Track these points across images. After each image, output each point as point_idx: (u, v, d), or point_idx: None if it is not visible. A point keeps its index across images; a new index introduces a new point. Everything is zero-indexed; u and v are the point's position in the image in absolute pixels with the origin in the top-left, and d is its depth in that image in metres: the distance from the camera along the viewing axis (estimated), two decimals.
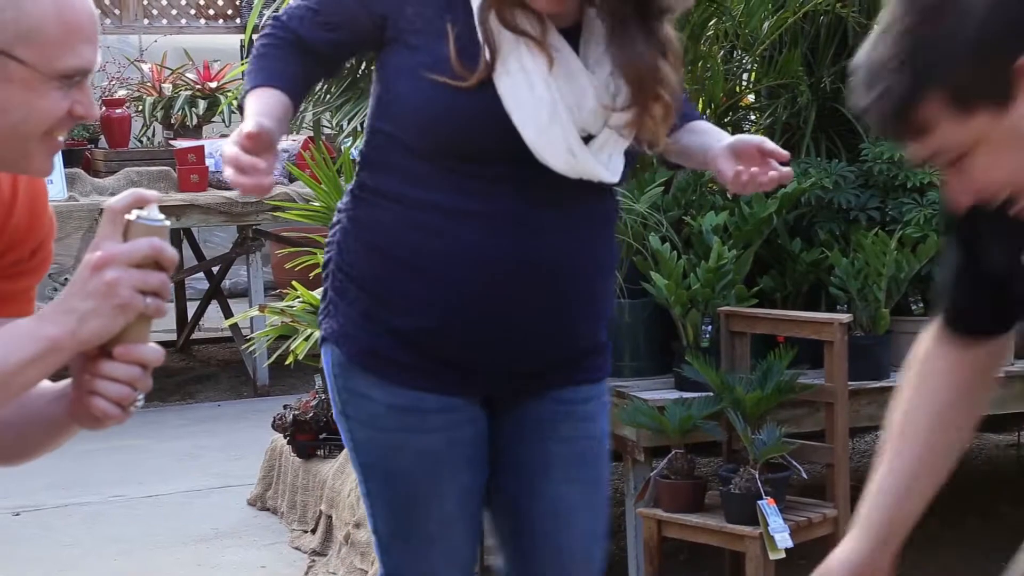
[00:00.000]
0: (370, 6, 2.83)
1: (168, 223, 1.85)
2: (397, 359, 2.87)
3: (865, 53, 1.98)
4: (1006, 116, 1.91)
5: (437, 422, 2.89)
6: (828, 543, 4.14)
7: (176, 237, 8.48)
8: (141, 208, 1.83)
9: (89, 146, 7.81)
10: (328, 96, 5.42)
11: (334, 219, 3.04)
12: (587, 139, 2.77)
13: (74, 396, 2.05)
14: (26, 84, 1.95)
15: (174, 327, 9.05)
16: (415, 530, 2.97)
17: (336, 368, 2.95)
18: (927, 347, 2.50)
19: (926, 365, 2.52)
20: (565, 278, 2.91)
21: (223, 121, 8.24)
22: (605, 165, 2.79)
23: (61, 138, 2.04)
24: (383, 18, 2.80)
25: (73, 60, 1.95)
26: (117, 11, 9.20)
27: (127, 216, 1.82)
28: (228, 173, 2.60)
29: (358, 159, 3.08)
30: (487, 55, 2.73)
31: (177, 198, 7.53)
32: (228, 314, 8.27)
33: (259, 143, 2.58)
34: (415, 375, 2.87)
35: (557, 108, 2.74)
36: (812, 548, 4.25)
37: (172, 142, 7.80)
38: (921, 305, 4.95)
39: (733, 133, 3.20)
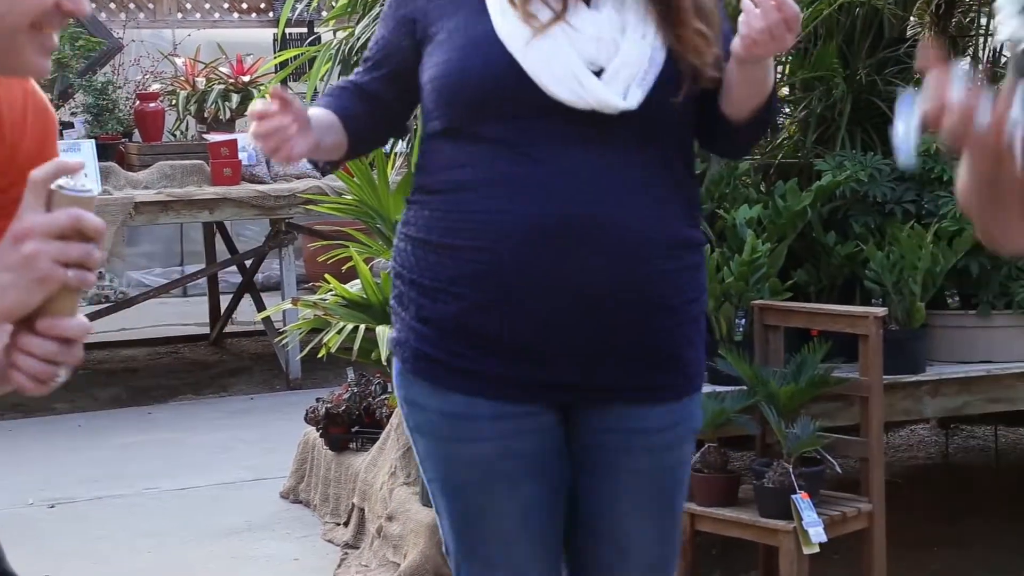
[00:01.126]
0: (400, 19, 2.85)
1: (94, 192, 1.80)
2: (446, 360, 2.80)
3: None
4: None
5: (490, 430, 2.81)
6: (862, 538, 4.43)
7: (209, 231, 8.67)
8: (66, 177, 1.81)
9: (123, 140, 7.84)
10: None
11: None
12: (599, 73, 2.70)
13: (2, 363, 2.20)
14: None
15: (207, 321, 9.09)
16: (476, 550, 2.90)
17: (397, 379, 2.92)
18: None
19: None
20: (614, 233, 2.73)
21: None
22: (619, 94, 2.68)
23: (56, 37, 2.01)
24: (412, 22, 2.82)
25: None
26: (151, 5, 9.31)
27: (50, 186, 1.82)
28: (252, 127, 2.61)
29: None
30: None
31: (210, 191, 7.56)
32: (261, 307, 8.31)
33: (283, 103, 2.58)
34: (466, 377, 2.80)
35: (558, 40, 2.69)
36: (846, 542, 4.36)
37: (205, 136, 7.83)
38: (957, 299, 4.95)
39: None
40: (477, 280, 2.75)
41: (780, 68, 5.42)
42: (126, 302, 8.47)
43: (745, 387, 4.34)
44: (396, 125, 3.17)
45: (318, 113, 2.78)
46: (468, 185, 2.78)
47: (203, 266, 8.70)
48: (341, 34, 5.56)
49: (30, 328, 1.93)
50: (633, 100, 2.67)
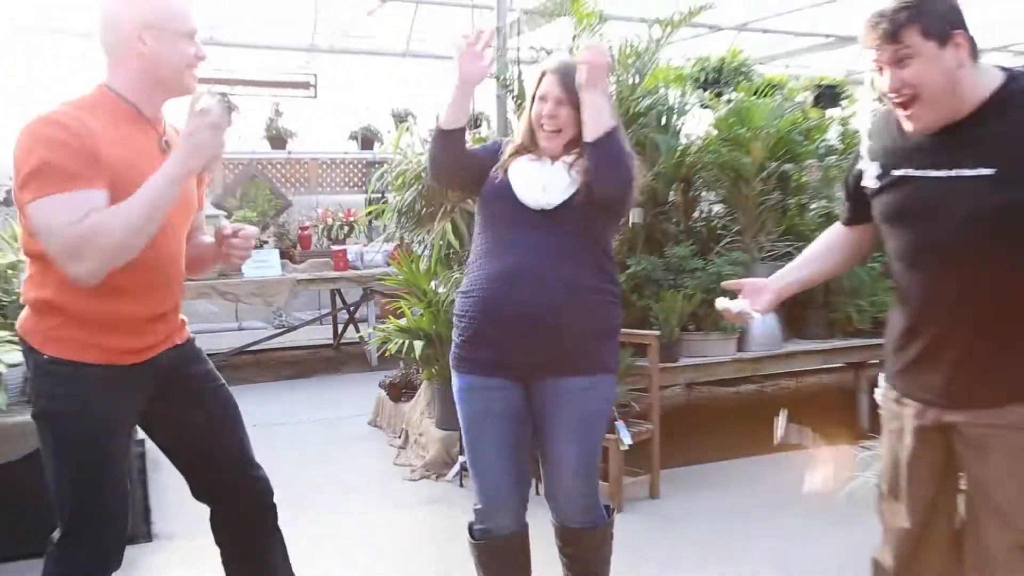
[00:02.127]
0: (484, 164, 2.73)
1: (218, 105, 2.08)
2: (463, 357, 2.70)
3: (881, 7, 2.02)
4: (941, 51, 1.99)
5: (479, 395, 2.68)
6: (649, 441, 4.53)
7: (334, 293, 8.39)
8: (208, 98, 2.11)
9: (292, 248, 7.79)
10: (407, 223, 5.37)
11: None
12: (544, 188, 2.60)
13: (219, 252, 2.47)
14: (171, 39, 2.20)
15: (331, 337, 8.89)
16: (475, 459, 2.73)
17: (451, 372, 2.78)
18: (833, 226, 2.55)
19: (829, 232, 2.55)
20: (540, 284, 2.55)
21: (354, 239, 8.16)
22: (556, 194, 2.57)
23: (196, 73, 2.25)
24: (485, 171, 2.73)
25: (190, 23, 2.23)
26: (307, 184, 9.09)
27: (199, 106, 2.10)
28: (458, 59, 2.55)
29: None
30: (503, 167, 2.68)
31: (334, 274, 7.55)
32: (357, 330, 8.16)
33: (474, 53, 2.54)
34: (469, 366, 2.69)
35: (533, 173, 2.63)
36: (641, 444, 4.43)
37: (332, 246, 7.83)
38: (693, 327, 4.91)
39: None
40: (473, 309, 2.65)
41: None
42: (295, 327, 8.62)
43: None
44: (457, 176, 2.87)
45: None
46: (476, 258, 2.71)
47: (330, 310, 8.81)
48: (398, 196, 5.47)
49: (233, 236, 2.38)
50: (561, 197, 2.58)
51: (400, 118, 8.92)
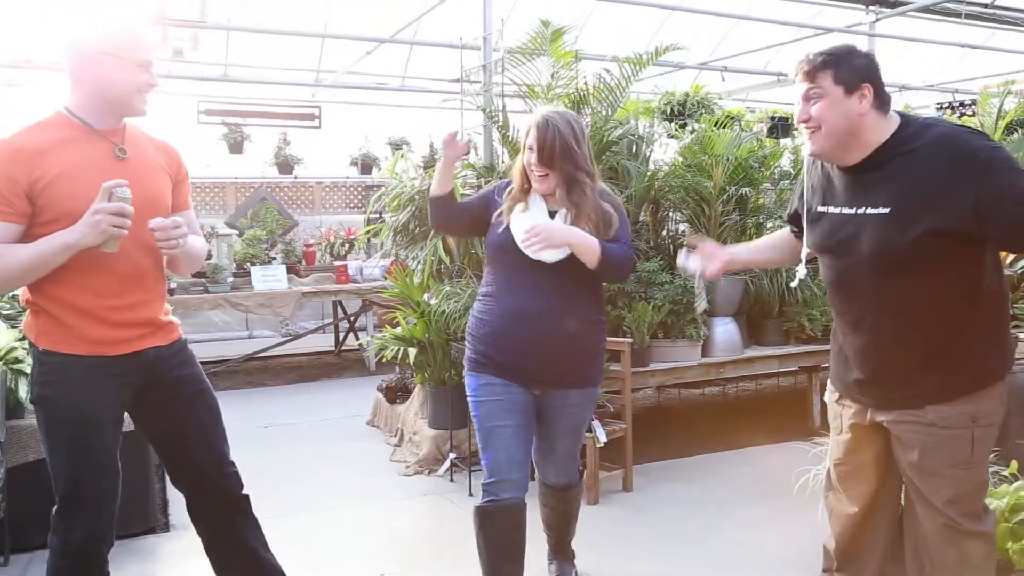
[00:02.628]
0: (476, 215, 2.91)
1: (130, 196, 2.12)
2: (481, 363, 2.86)
3: (811, 53, 2.18)
4: (847, 97, 2.14)
5: (497, 391, 2.82)
6: (623, 439, 4.49)
7: (335, 304, 8.33)
8: (118, 188, 2.13)
9: (298, 263, 7.74)
10: (402, 241, 5.35)
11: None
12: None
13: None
14: (123, 67, 2.23)
15: (333, 344, 8.78)
16: (488, 444, 2.83)
17: (465, 376, 2.93)
18: (784, 229, 2.67)
19: (780, 232, 2.71)
20: (543, 320, 2.75)
21: (354, 256, 8.08)
22: (550, 257, 2.72)
23: (145, 97, 2.30)
24: (478, 219, 2.91)
25: (145, 55, 2.27)
26: (311, 206, 9.08)
27: (113, 190, 2.12)
28: (445, 145, 2.81)
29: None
30: (506, 215, 2.82)
31: (335, 287, 7.50)
32: (357, 338, 8.22)
33: (453, 141, 2.81)
34: (488, 369, 2.84)
35: (525, 220, 2.74)
36: (615, 441, 4.40)
37: (334, 262, 7.77)
38: (662, 335, 4.92)
39: None
40: (489, 338, 2.84)
41: None
42: (300, 335, 8.57)
43: None
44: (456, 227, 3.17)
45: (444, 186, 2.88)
46: (491, 295, 2.87)
47: (332, 320, 8.74)
48: (394, 217, 5.42)
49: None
50: (556, 258, 2.72)
51: (396, 145, 8.93)
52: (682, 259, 2.61)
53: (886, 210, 2.15)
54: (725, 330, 5.17)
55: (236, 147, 8.37)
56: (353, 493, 4.60)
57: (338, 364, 8.45)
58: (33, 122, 2.30)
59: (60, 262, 2.19)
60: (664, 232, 5.61)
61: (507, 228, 2.82)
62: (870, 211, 2.18)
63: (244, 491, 2.64)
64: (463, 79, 5.47)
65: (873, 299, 2.24)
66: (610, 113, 5.06)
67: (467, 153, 2.92)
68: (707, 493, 4.48)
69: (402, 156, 6.18)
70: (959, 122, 6.90)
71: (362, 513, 4.29)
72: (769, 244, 2.80)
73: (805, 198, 2.41)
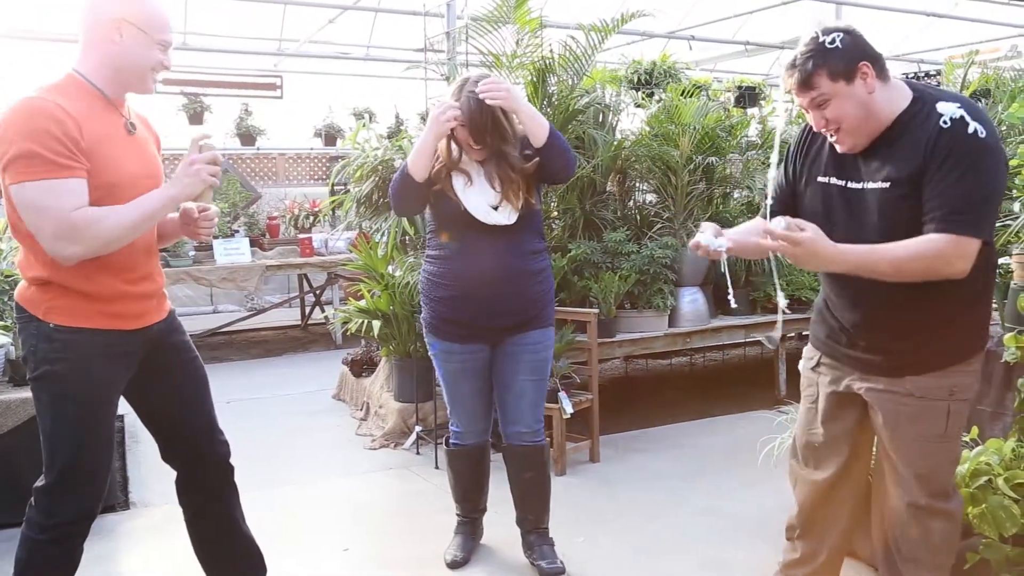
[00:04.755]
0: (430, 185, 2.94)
1: (215, 146, 2.22)
2: (441, 328, 3.04)
3: (795, 53, 2.12)
4: (850, 86, 2.08)
5: (455, 357, 3.06)
6: (589, 412, 4.48)
7: (300, 277, 8.27)
8: (206, 139, 2.21)
9: (261, 237, 7.63)
10: (366, 212, 5.28)
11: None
12: (496, 208, 2.89)
13: (186, 229, 2.46)
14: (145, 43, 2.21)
15: (300, 317, 8.68)
16: (455, 404, 3.15)
17: (425, 335, 3.13)
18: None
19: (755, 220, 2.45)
20: (502, 277, 2.92)
21: (320, 228, 8.00)
22: (504, 217, 2.89)
23: (160, 77, 2.31)
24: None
25: (166, 35, 2.25)
26: (275, 178, 8.91)
27: (200, 143, 2.20)
28: (437, 114, 2.79)
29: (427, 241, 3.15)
30: (452, 182, 2.91)
31: (300, 260, 7.41)
32: (323, 311, 8.11)
33: (447, 113, 2.79)
34: (448, 334, 3.03)
35: (477, 196, 2.90)
36: (582, 412, 4.39)
37: (299, 235, 7.65)
38: (628, 305, 4.93)
39: None
40: (447, 297, 2.99)
41: (556, 205, 5.11)
42: (264, 309, 8.48)
43: None
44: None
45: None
46: (446, 256, 2.99)
47: (298, 293, 8.67)
48: (357, 188, 5.32)
49: (200, 211, 2.38)
50: (510, 219, 2.90)
51: (360, 116, 8.78)
52: (696, 240, 2.29)
53: (886, 184, 2.13)
54: (692, 300, 5.18)
55: (196, 118, 8.19)
56: (318, 468, 4.56)
57: (304, 338, 8.37)
58: (50, 83, 2.20)
59: (162, 217, 2.24)
60: (631, 203, 5.58)
61: (457, 199, 2.92)
62: (870, 185, 2.17)
63: (232, 460, 2.65)
64: (427, 48, 5.37)
65: None
66: (576, 82, 4.99)
67: (449, 129, 2.85)
68: (674, 463, 4.48)
69: (364, 126, 6.04)
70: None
71: (327, 488, 4.26)
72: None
73: (796, 168, 2.37)
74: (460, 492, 3.34)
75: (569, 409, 4.30)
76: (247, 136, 8.60)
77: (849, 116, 2.11)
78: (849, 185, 2.23)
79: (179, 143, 8.31)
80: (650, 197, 5.65)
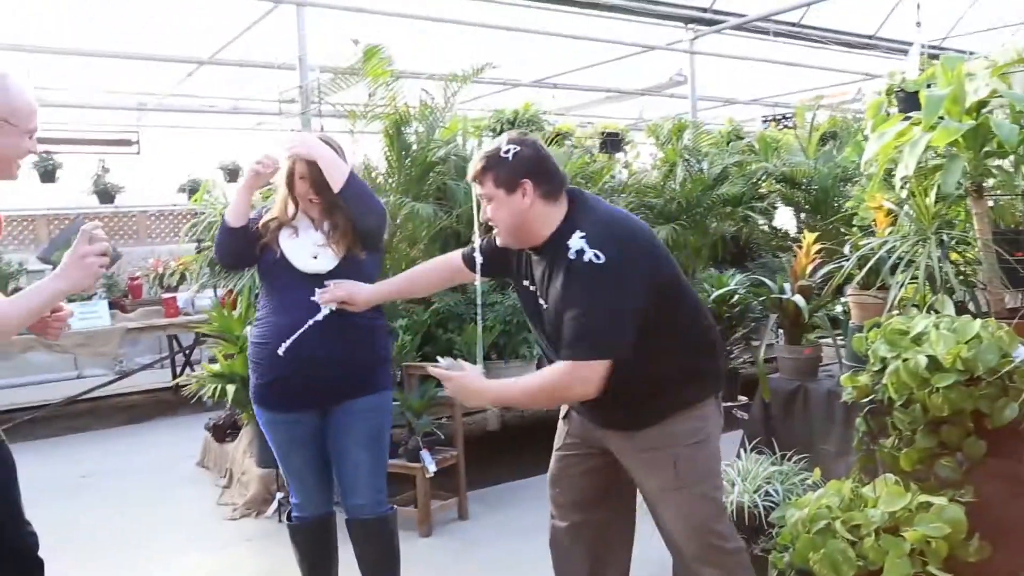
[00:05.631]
0: (253, 245, 2.86)
1: (104, 236, 2.14)
2: (262, 393, 2.86)
3: (479, 155, 2.33)
4: (509, 196, 2.27)
5: (283, 427, 2.86)
6: (455, 467, 4.38)
7: (171, 339, 8.00)
8: (96, 230, 2.13)
9: (123, 299, 7.32)
10: (221, 270, 5.16)
11: None
12: (316, 257, 2.80)
13: (36, 325, 2.28)
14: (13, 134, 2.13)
15: (171, 379, 8.36)
16: (288, 472, 2.96)
17: (253, 404, 2.94)
18: (452, 254, 2.79)
19: (443, 258, 2.85)
20: (325, 332, 2.75)
21: (187, 286, 7.60)
22: (323, 264, 2.79)
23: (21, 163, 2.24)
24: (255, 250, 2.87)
25: (33, 123, 2.17)
26: (136, 237, 8.75)
27: (91, 232, 2.11)
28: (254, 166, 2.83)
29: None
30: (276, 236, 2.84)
31: (164, 321, 7.07)
32: (193, 371, 7.60)
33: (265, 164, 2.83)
34: (270, 402, 2.85)
35: (299, 245, 2.81)
36: (448, 469, 4.32)
37: (162, 294, 7.28)
38: (495, 356, 4.80)
39: None
40: (270, 360, 2.79)
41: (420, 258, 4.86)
42: (131, 372, 8.09)
43: (398, 401, 4.09)
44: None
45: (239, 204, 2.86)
46: (267, 313, 2.86)
47: (167, 354, 8.33)
48: (211, 245, 5.23)
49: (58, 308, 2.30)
50: (330, 265, 2.80)
51: (228, 170, 8.54)
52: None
53: (546, 306, 2.31)
54: None
55: (48, 176, 7.80)
56: (172, 543, 4.32)
57: (174, 401, 7.85)
58: None
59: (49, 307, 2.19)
60: None
61: (280, 251, 2.85)
62: (540, 301, 2.36)
63: (39, 554, 2.43)
64: (281, 100, 5.25)
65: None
66: (432, 133, 4.94)
67: (272, 176, 2.87)
68: (545, 516, 4.36)
69: (208, 185, 5.85)
70: (776, 136, 7.21)
71: (182, 565, 4.03)
72: (430, 269, 2.91)
73: (515, 262, 2.50)
74: (307, 568, 3.10)
75: (432, 468, 4.19)
76: (105, 193, 8.23)
77: (501, 220, 2.31)
78: (538, 294, 2.38)
79: (31, 202, 7.96)
80: None
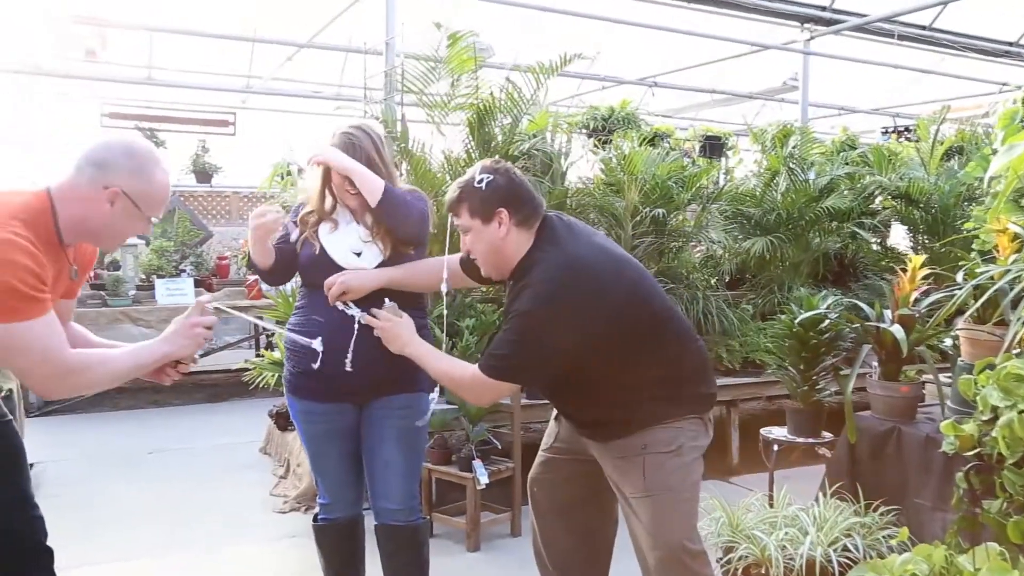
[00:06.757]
0: (292, 254, 2.78)
1: (213, 309, 2.25)
2: (298, 383, 2.76)
3: (453, 185, 2.39)
4: (485, 226, 2.32)
5: (317, 417, 2.75)
6: (512, 478, 4.18)
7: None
8: (208, 304, 2.24)
9: (210, 278, 7.35)
10: None
11: None
12: (359, 254, 2.70)
13: (155, 373, 2.25)
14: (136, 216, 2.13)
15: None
16: (317, 468, 2.86)
17: (285, 394, 2.86)
18: (453, 255, 2.71)
19: (445, 257, 2.73)
20: (362, 327, 2.65)
21: None
22: (366, 262, 2.68)
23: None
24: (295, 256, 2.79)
25: (159, 213, 2.19)
26: (228, 217, 8.88)
27: (205, 304, 2.23)
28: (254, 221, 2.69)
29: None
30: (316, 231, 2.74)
31: (246, 303, 6.80)
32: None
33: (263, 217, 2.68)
34: (306, 392, 2.73)
35: (340, 241, 2.71)
36: (503, 481, 4.15)
37: (248, 275, 7.32)
38: None
39: None
40: (305, 350, 2.67)
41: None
42: (215, 350, 8.16)
43: (456, 406, 4.11)
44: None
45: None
46: (306, 304, 2.76)
47: (252, 334, 8.36)
48: None
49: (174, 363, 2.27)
50: (373, 263, 2.68)
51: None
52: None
53: None
54: None
55: None
56: (215, 531, 4.23)
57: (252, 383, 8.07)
58: (20, 204, 2.04)
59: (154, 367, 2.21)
60: None
61: (320, 247, 2.76)
62: None
63: (48, 542, 2.36)
64: (366, 87, 5.11)
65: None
66: (516, 126, 4.72)
67: (276, 228, 2.75)
68: None
69: (284, 170, 5.77)
70: (894, 148, 6.66)
71: (223, 557, 3.93)
72: (429, 268, 2.79)
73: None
74: (332, 574, 2.96)
75: (484, 479, 3.99)
76: (203, 173, 8.37)
77: (478, 250, 2.37)
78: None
79: None
80: None
